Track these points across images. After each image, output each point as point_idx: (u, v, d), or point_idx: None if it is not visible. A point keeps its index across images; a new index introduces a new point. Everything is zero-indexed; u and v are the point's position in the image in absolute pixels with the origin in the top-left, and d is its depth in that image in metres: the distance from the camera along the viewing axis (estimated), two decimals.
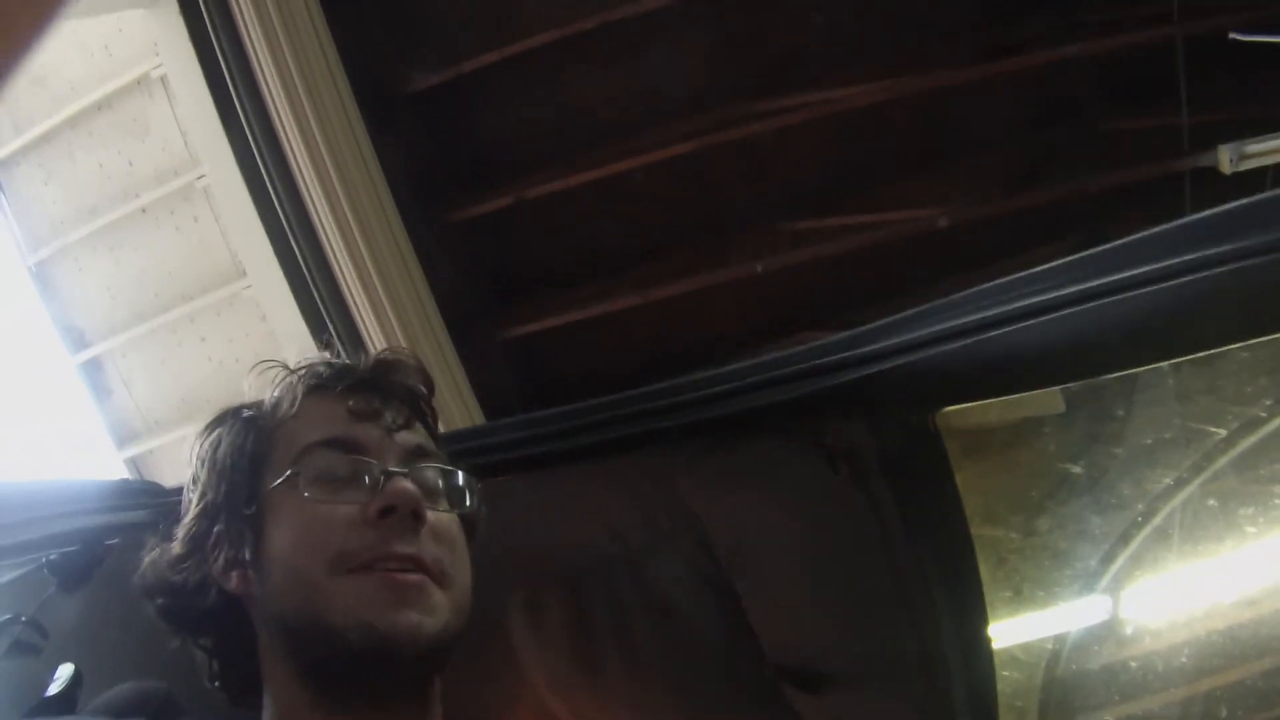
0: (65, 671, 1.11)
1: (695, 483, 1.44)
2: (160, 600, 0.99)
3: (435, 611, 0.90)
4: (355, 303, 3.29)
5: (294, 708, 0.92)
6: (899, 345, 1.07)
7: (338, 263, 3.27)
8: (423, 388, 1.07)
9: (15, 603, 1.30)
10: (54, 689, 1.09)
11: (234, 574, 0.95)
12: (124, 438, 3.76)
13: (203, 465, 1.00)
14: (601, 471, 1.40)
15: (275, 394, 1.02)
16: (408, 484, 0.93)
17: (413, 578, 0.90)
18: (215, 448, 1.00)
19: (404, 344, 3.29)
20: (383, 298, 3.31)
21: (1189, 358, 1.00)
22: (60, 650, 1.23)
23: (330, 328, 3.28)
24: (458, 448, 1.10)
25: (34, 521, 1.33)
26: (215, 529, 0.97)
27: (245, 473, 0.97)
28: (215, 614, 0.97)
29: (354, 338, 3.32)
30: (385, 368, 1.04)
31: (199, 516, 0.98)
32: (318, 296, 3.29)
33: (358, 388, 1.01)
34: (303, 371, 1.03)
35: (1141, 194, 3.25)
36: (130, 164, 3.50)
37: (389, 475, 0.93)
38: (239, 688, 0.99)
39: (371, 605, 0.88)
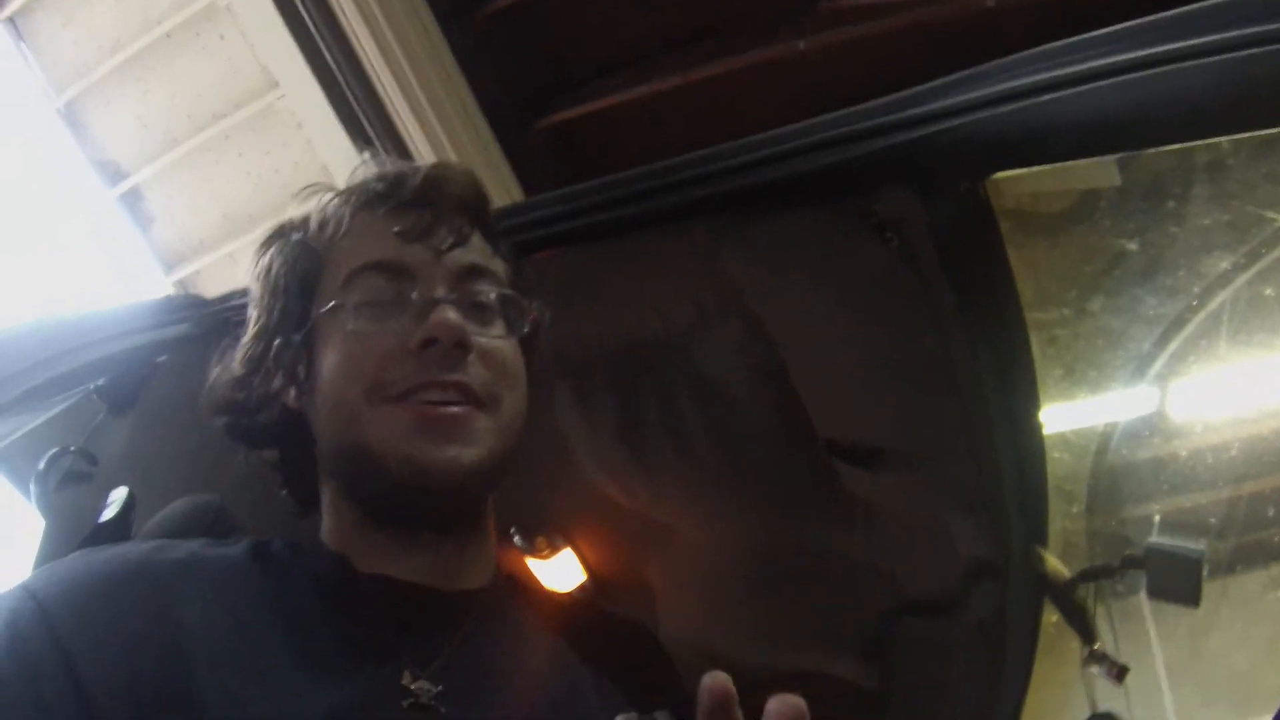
0: (118, 495, 1.13)
1: (740, 257, 1.40)
2: (225, 419, 1.00)
3: (477, 441, 0.88)
4: (389, 99, 3.18)
5: (341, 522, 0.94)
6: (951, 108, 1.01)
7: (368, 59, 3.15)
8: (477, 197, 1.01)
9: (66, 434, 1.32)
10: (108, 514, 1.11)
11: (291, 391, 0.96)
12: (171, 262, 3.78)
13: (258, 285, 0.99)
14: (644, 248, 1.37)
15: (324, 214, 0.99)
16: (451, 314, 0.89)
17: (451, 410, 0.88)
18: (268, 269, 0.98)
19: (443, 137, 3.23)
20: (418, 92, 3.20)
21: (1248, 135, 0.94)
22: (114, 475, 1.25)
23: (366, 127, 3.19)
24: (499, 226, 1.06)
25: (81, 349, 1.34)
26: (271, 350, 0.96)
27: (296, 296, 0.96)
28: (278, 429, 0.98)
29: (392, 135, 3.22)
30: (435, 181, 0.99)
31: (255, 337, 0.98)
32: (351, 97, 3.19)
33: (406, 205, 0.96)
34: (353, 188, 1.00)
35: None
36: None
37: (433, 303, 0.91)
38: (305, 497, 1.01)
39: (408, 437, 0.87)
